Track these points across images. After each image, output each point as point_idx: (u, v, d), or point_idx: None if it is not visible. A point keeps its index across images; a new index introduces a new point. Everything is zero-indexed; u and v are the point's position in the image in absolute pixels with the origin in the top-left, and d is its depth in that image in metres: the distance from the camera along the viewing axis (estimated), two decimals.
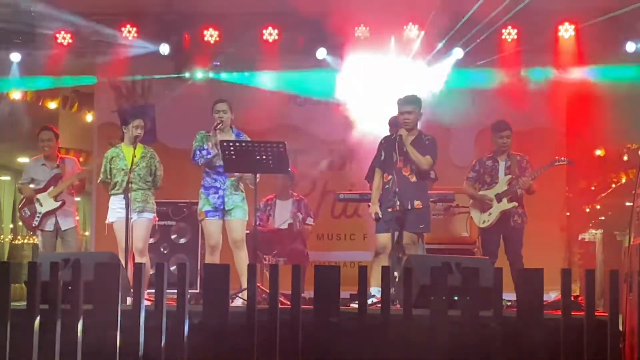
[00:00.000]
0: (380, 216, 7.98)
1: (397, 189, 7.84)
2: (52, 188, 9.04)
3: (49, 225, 9.01)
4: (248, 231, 8.33)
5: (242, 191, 8.24)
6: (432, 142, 8.12)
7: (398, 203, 7.83)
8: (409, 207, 7.90)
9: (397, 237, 7.84)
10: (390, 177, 8.04)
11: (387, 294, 5.61)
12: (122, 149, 8.38)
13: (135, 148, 8.21)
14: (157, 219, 8.61)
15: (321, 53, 10.45)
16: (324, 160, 10.50)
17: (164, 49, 10.65)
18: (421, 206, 7.96)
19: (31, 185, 9.14)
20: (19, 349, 5.46)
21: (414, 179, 8.02)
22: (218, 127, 8.10)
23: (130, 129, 8.35)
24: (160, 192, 8.65)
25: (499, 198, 8.70)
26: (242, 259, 8.02)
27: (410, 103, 8.10)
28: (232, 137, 8.17)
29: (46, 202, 9.01)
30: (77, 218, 9.36)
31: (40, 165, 9.22)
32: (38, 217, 9.00)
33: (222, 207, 8.13)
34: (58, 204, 9.01)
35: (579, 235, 9.94)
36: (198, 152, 8.16)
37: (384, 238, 7.92)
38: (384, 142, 8.22)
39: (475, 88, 10.79)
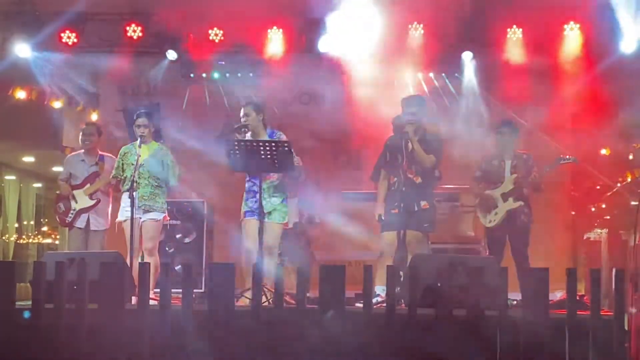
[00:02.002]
0: (383, 218, 7.99)
1: (403, 189, 7.84)
2: (88, 185, 8.98)
3: (80, 223, 8.96)
4: None
5: (283, 192, 8.15)
6: (437, 140, 8.10)
7: (402, 205, 7.83)
8: (415, 209, 7.90)
9: (402, 236, 7.84)
10: (395, 178, 8.05)
11: (392, 293, 5.61)
12: (135, 146, 8.37)
13: (140, 147, 8.22)
14: (167, 218, 8.59)
15: (323, 47, 10.45)
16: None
17: (172, 55, 10.66)
18: (427, 206, 7.96)
19: (62, 180, 9.10)
20: (24, 348, 5.47)
21: (419, 180, 8.01)
22: (242, 129, 8.08)
23: (134, 128, 8.37)
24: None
25: (505, 197, 8.67)
26: (271, 264, 7.86)
27: (414, 103, 8.10)
28: (266, 137, 8.11)
29: (81, 200, 8.96)
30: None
31: (80, 160, 9.16)
32: (72, 213, 8.94)
33: (258, 210, 8.02)
34: (93, 202, 8.94)
35: (584, 234, 9.90)
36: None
37: (389, 237, 7.92)
38: (389, 143, 8.21)
39: (480, 87, 10.78)
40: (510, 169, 8.76)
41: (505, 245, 8.70)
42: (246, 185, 8.23)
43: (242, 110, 8.25)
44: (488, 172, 8.87)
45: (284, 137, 8.14)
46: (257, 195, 7.96)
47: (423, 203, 7.93)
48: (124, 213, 8.24)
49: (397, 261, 7.72)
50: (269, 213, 8.02)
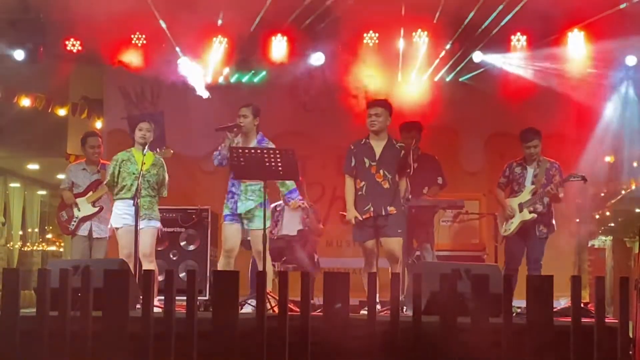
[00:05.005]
0: (361, 219, 7.90)
1: (371, 193, 7.83)
2: (90, 193, 9.00)
3: (83, 230, 8.98)
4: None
5: (260, 197, 8.04)
6: (404, 151, 7.99)
7: (372, 209, 7.81)
8: (383, 213, 7.86)
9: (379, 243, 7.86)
10: (362, 183, 8.00)
11: (396, 301, 5.61)
12: (133, 154, 8.25)
13: (144, 154, 8.14)
14: (162, 228, 8.51)
15: (318, 58, 10.52)
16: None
17: (183, 63, 10.67)
18: (395, 212, 7.88)
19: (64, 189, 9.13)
20: (28, 357, 5.46)
21: (387, 185, 7.93)
22: (234, 129, 8.07)
23: (137, 132, 8.26)
24: (169, 199, 8.58)
25: (520, 207, 8.62)
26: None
27: (378, 106, 8.05)
28: (254, 143, 8.12)
29: (84, 207, 8.98)
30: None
31: (81, 169, 9.19)
32: (75, 221, 8.96)
33: (236, 212, 8.08)
34: (95, 209, 8.96)
35: (589, 241, 9.91)
36: (215, 152, 8.15)
37: (370, 245, 7.89)
38: (354, 148, 8.15)
39: (484, 93, 10.79)
40: (531, 178, 8.70)
41: (523, 254, 8.64)
42: (229, 184, 8.15)
43: (240, 110, 8.23)
44: (511, 180, 8.83)
45: (272, 145, 8.10)
46: (235, 197, 8.00)
47: (390, 208, 7.86)
48: (119, 220, 8.13)
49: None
50: (249, 220, 8.02)
